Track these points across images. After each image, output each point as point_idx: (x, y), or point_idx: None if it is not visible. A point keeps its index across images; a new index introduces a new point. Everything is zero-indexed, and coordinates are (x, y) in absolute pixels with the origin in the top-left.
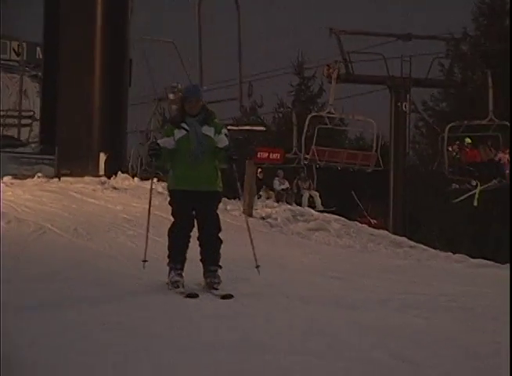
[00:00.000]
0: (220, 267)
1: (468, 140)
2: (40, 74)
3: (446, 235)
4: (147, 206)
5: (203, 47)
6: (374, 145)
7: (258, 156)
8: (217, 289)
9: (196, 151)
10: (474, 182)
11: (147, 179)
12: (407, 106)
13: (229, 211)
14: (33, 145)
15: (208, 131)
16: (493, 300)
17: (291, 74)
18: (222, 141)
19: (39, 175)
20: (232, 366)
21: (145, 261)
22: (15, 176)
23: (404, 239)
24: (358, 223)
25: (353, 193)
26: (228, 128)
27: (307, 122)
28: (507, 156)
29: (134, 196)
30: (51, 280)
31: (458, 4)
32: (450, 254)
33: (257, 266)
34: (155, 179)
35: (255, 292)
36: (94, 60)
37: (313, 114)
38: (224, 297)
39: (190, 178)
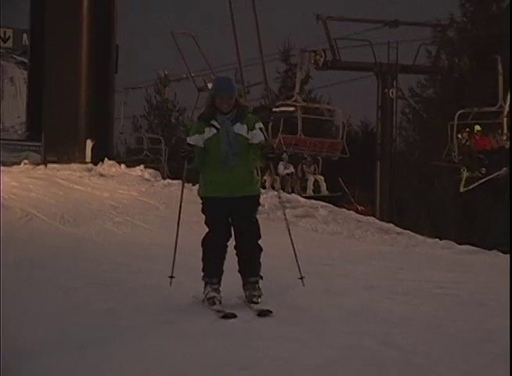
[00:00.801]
0: (261, 278)
1: (478, 127)
2: (27, 60)
3: (433, 221)
4: (134, 193)
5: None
6: (340, 133)
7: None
8: (257, 303)
9: (226, 153)
10: (483, 170)
11: (133, 166)
12: (394, 93)
13: None
14: (19, 132)
15: (241, 129)
16: (480, 286)
17: (278, 61)
18: (257, 136)
19: (25, 162)
20: None
21: (171, 277)
22: (2, 163)
23: (391, 225)
24: (345, 210)
25: (340, 179)
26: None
27: (274, 110)
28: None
29: (121, 183)
30: (34, 267)
31: None
32: (437, 240)
33: (302, 277)
34: (141, 166)
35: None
36: (80, 47)
37: (280, 102)
38: (261, 314)
39: (222, 183)
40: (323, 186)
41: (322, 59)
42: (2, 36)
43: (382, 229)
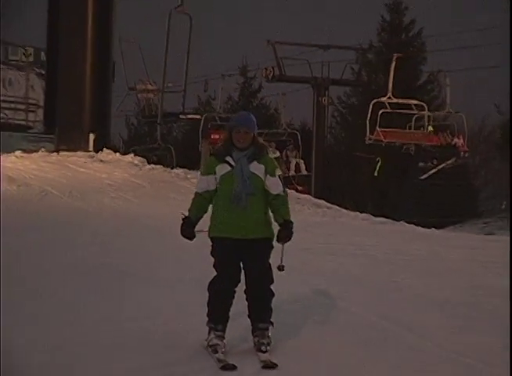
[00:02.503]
0: (271, 324)
1: (431, 128)
2: (44, 72)
3: (355, 198)
4: (126, 174)
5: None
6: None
7: (212, 137)
8: (265, 351)
9: (239, 193)
10: (435, 161)
11: (126, 154)
12: (326, 100)
13: (189, 179)
14: (38, 127)
15: (257, 169)
16: (390, 248)
17: (237, 75)
18: (275, 185)
19: (42, 150)
20: None
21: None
22: (24, 151)
23: (323, 201)
24: (287, 189)
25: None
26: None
27: (202, 120)
28: (461, 140)
29: (116, 167)
30: (49, 229)
31: (366, 21)
32: (358, 213)
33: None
34: (131, 154)
35: None
36: (85, 63)
37: (206, 114)
38: (265, 366)
39: (235, 224)
40: (303, 167)
41: (271, 74)
42: (25, 53)
43: (315, 205)
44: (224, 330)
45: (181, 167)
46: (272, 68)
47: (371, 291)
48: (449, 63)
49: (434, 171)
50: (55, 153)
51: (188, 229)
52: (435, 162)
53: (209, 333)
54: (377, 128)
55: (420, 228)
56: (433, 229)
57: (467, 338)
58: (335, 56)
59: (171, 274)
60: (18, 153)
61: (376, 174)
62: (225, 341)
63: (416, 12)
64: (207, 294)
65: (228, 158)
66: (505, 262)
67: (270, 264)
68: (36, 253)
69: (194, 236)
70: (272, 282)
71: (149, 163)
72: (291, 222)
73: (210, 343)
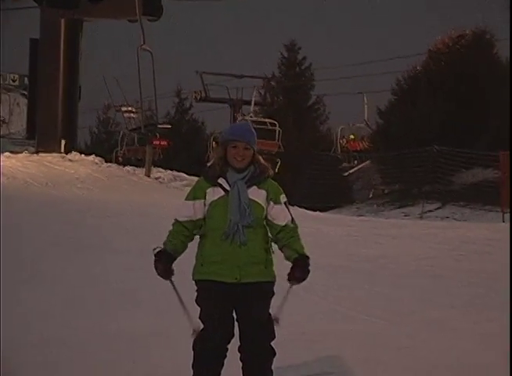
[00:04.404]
0: None
1: (352, 136)
2: (26, 93)
3: None
4: (89, 170)
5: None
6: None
7: (154, 142)
8: None
9: (235, 225)
10: (355, 162)
11: (88, 155)
12: (239, 117)
13: (137, 174)
14: (22, 134)
15: (257, 195)
16: (314, 232)
17: (173, 96)
18: (281, 214)
19: (26, 152)
20: None
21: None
22: (12, 152)
23: None
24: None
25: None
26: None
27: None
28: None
29: (81, 165)
30: (31, 210)
31: (270, 57)
32: None
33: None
34: (93, 155)
35: None
36: (58, 87)
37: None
38: None
39: (227, 264)
40: None
41: (199, 96)
42: (13, 78)
43: None
44: None
45: (130, 165)
46: (200, 91)
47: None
48: (332, 87)
49: (355, 169)
50: (35, 155)
51: (162, 265)
52: (355, 163)
53: None
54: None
55: (309, 211)
56: (318, 212)
57: (345, 292)
58: (247, 83)
59: (121, 245)
60: (7, 154)
61: (276, 171)
62: None
63: (307, 51)
64: (192, 352)
65: (221, 180)
66: (373, 235)
67: (270, 315)
68: (23, 229)
69: (171, 274)
70: (273, 337)
71: (105, 162)
72: (308, 258)
73: None
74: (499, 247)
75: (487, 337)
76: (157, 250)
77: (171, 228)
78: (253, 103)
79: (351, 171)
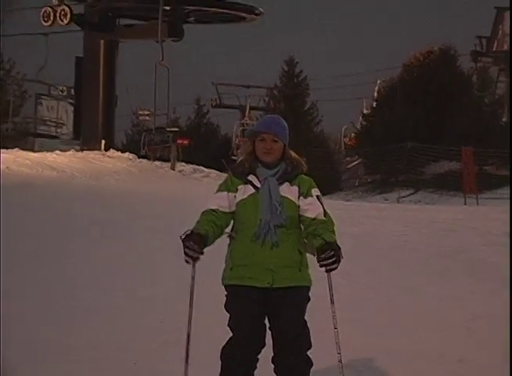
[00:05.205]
0: None
1: (353, 134)
2: (73, 101)
3: None
4: (124, 165)
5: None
6: None
7: (178, 141)
8: None
9: (266, 224)
10: (356, 157)
11: (124, 152)
12: (247, 120)
13: (163, 168)
14: (69, 135)
15: (290, 192)
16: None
17: (194, 104)
18: (313, 208)
19: (72, 150)
20: None
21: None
22: (61, 150)
23: None
24: (220, 172)
25: (223, 160)
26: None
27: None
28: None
29: (118, 160)
30: (77, 197)
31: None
32: None
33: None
34: (128, 152)
35: None
36: (98, 97)
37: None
38: None
39: (259, 267)
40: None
41: (214, 103)
42: (61, 90)
43: None
44: None
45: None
46: (215, 99)
47: None
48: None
49: (355, 163)
50: (80, 152)
51: (191, 244)
52: (356, 157)
53: None
54: None
55: None
56: None
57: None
58: (254, 92)
59: (153, 224)
60: (57, 152)
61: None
62: None
63: (303, 65)
64: (220, 363)
65: (251, 177)
66: (358, 216)
67: (306, 322)
68: (70, 213)
69: (200, 254)
70: (309, 347)
71: (138, 158)
72: (337, 246)
73: None
74: (462, 225)
75: (451, 298)
76: (184, 235)
77: (198, 218)
78: (248, 109)
79: (353, 164)
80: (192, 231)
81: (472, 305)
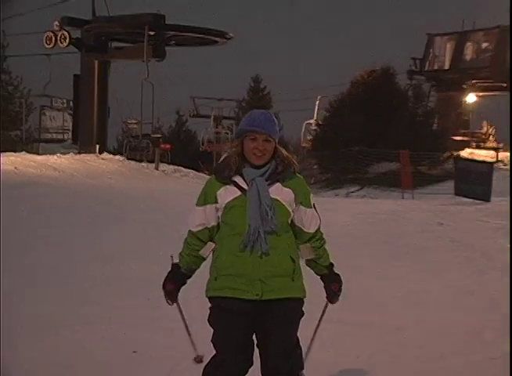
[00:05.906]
0: None
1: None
2: (72, 112)
3: None
4: (116, 166)
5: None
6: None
7: (161, 146)
8: None
9: (255, 230)
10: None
11: (115, 155)
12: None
13: (149, 168)
14: (69, 141)
15: (282, 194)
16: None
17: (174, 113)
18: (313, 222)
19: (71, 153)
20: None
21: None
22: (62, 153)
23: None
24: (197, 172)
25: (199, 162)
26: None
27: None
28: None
29: (110, 162)
30: (76, 193)
31: (242, 86)
32: None
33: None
34: (119, 155)
35: None
36: (93, 108)
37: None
38: None
39: (247, 277)
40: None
41: (192, 113)
42: (62, 102)
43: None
44: None
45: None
46: (193, 110)
47: None
48: (285, 106)
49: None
50: (78, 155)
51: (170, 282)
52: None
53: None
54: None
55: None
56: None
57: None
58: (225, 105)
59: (140, 216)
60: (58, 154)
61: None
62: None
63: (267, 81)
64: None
65: (236, 178)
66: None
67: (298, 340)
68: (70, 208)
69: (177, 291)
70: (301, 367)
71: (128, 159)
72: (336, 273)
73: None
74: (401, 216)
75: (391, 277)
76: (173, 262)
77: (185, 236)
78: (212, 118)
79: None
80: (172, 268)
81: (409, 283)
